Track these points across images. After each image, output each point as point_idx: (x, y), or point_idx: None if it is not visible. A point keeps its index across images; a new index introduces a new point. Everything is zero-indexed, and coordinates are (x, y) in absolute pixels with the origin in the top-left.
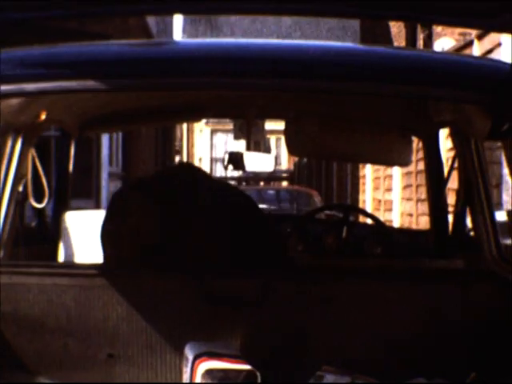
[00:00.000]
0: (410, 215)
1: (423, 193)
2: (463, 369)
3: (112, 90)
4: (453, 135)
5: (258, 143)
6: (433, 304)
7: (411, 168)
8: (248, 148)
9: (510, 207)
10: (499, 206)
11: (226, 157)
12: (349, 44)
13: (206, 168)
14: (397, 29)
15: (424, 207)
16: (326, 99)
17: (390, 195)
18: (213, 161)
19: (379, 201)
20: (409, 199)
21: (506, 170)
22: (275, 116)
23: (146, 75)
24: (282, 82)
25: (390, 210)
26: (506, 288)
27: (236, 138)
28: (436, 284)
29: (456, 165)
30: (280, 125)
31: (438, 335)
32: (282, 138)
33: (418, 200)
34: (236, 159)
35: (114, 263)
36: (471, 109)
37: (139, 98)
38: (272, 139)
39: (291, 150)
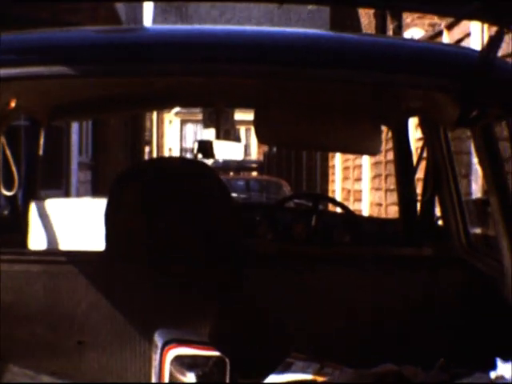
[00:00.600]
0: (380, 205)
1: (392, 183)
2: (432, 355)
3: (81, 76)
4: (422, 124)
5: (228, 132)
6: (401, 291)
7: (380, 158)
8: (218, 137)
9: (479, 196)
10: (469, 195)
11: (196, 145)
12: (318, 31)
13: None
14: (367, 19)
15: (393, 197)
16: (295, 88)
17: (359, 185)
18: (183, 151)
19: (348, 191)
20: (378, 189)
21: (475, 160)
22: (245, 105)
23: (115, 61)
24: (249, 67)
25: (360, 199)
26: (474, 275)
27: (205, 126)
28: (404, 271)
29: (425, 154)
30: (249, 115)
31: (407, 322)
32: (252, 128)
33: (387, 190)
34: (206, 147)
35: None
36: (440, 96)
37: (108, 87)
38: (242, 130)
39: (260, 139)
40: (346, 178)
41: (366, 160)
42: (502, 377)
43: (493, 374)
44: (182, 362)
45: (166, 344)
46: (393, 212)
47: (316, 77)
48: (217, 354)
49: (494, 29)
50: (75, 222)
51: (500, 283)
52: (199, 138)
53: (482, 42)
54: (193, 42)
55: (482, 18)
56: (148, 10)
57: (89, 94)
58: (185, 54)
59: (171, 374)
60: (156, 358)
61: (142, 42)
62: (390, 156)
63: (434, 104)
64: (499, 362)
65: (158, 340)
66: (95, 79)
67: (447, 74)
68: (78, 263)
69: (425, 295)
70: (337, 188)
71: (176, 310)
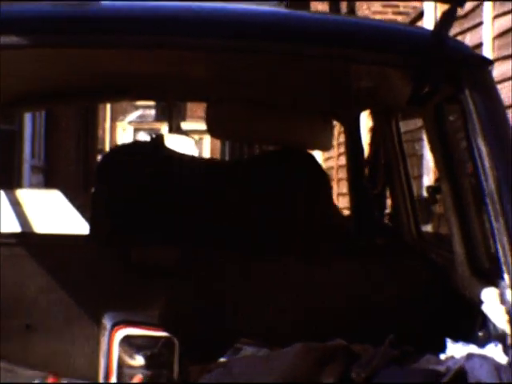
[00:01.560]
0: None
1: (344, 187)
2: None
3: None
4: (373, 117)
5: (180, 126)
6: (353, 279)
7: (332, 163)
8: (170, 130)
9: (429, 183)
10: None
11: (149, 139)
12: (272, 8)
13: None
14: (320, 7)
15: (345, 201)
16: (248, 82)
17: None
18: None
19: None
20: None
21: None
22: (197, 98)
23: (60, 31)
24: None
25: None
26: (425, 263)
27: (158, 120)
28: (356, 260)
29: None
30: (201, 124)
31: (358, 309)
32: (204, 138)
33: (339, 194)
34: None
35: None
36: (392, 75)
37: (59, 77)
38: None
39: (212, 132)
40: None
41: (318, 155)
42: (452, 357)
43: (442, 356)
44: (131, 343)
45: (114, 325)
46: (344, 203)
47: (268, 50)
48: (165, 334)
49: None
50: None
51: (450, 271)
52: None
53: (435, 19)
54: (140, 15)
55: None
56: None
57: (37, 84)
58: (130, 27)
59: (120, 356)
60: (104, 339)
61: (92, 15)
62: (342, 161)
63: (387, 86)
64: (449, 343)
65: (107, 322)
66: (44, 66)
67: (400, 50)
68: (25, 246)
69: (376, 284)
70: None
71: (126, 293)
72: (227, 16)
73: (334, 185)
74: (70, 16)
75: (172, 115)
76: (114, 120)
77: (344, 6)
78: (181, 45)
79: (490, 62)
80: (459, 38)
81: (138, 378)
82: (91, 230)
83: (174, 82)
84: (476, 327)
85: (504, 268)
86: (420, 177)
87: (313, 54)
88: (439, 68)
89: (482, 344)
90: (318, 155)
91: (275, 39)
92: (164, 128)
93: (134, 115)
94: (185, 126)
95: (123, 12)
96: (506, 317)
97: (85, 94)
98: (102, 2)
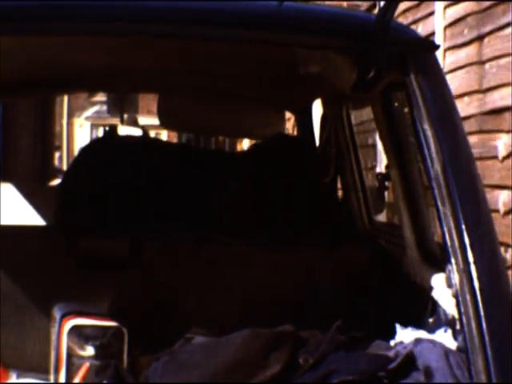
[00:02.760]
0: None
1: None
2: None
3: None
4: (324, 105)
5: (133, 118)
6: (305, 267)
7: None
8: (122, 122)
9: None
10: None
11: (102, 131)
12: None
13: None
14: None
15: None
16: (198, 72)
17: None
18: None
19: None
20: None
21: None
22: (148, 89)
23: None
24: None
25: None
26: (377, 250)
27: (109, 112)
28: (307, 248)
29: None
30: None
31: (308, 297)
32: (161, 133)
33: None
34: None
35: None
36: (339, 61)
37: (8, 68)
38: (151, 134)
39: (163, 123)
40: None
41: None
42: (401, 342)
43: (392, 342)
44: (80, 333)
45: (63, 316)
46: None
47: (212, 36)
48: (114, 324)
49: None
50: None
51: (401, 257)
52: None
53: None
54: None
55: None
56: None
57: None
58: (74, 13)
59: (69, 347)
60: (54, 331)
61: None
62: None
63: (334, 73)
64: (398, 329)
65: (57, 312)
66: None
67: (344, 33)
68: None
69: (325, 271)
70: None
71: (77, 285)
72: (170, 2)
73: None
74: (14, 3)
75: (123, 108)
76: (70, 116)
77: None
78: (125, 31)
79: (436, 46)
80: (412, 27)
81: (85, 366)
82: (54, 220)
83: (125, 73)
84: (427, 313)
85: (450, 251)
86: (374, 167)
87: (256, 39)
88: (383, 52)
89: (432, 329)
90: None
91: (215, 24)
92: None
93: (90, 111)
94: (141, 121)
95: None
96: (453, 300)
97: (35, 86)
98: None
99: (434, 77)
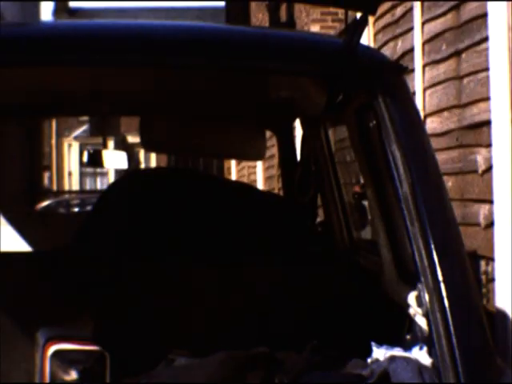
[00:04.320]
0: None
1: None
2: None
3: None
4: (302, 125)
5: (117, 141)
6: (285, 285)
7: (273, 172)
8: (105, 145)
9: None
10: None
11: (86, 154)
12: (194, 23)
13: (75, 182)
14: (260, 15)
15: None
16: (179, 94)
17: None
18: (82, 175)
19: None
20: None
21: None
22: (130, 112)
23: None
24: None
25: None
26: (355, 269)
27: (92, 134)
28: (287, 266)
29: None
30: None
31: (284, 316)
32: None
33: (280, 189)
34: (95, 157)
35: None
36: (309, 84)
37: None
38: (141, 153)
39: (146, 146)
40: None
41: (259, 165)
42: (376, 360)
43: (369, 360)
44: (63, 357)
45: (47, 341)
46: None
47: (189, 65)
48: (97, 348)
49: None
50: None
51: (379, 276)
52: None
53: (346, 27)
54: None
55: (347, 5)
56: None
57: None
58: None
59: (53, 372)
60: (38, 356)
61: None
62: None
63: (306, 95)
64: (374, 348)
65: (41, 337)
66: None
67: (311, 59)
68: None
69: (301, 289)
70: None
71: (58, 308)
72: (147, 32)
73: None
74: (10, 36)
75: (106, 130)
76: (59, 136)
77: (284, 15)
78: (107, 62)
79: (404, 69)
80: (391, 43)
81: None
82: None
83: (106, 96)
84: (404, 330)
85: (420, 271)
86: (358, 183)
87: (227, 67)
88: (350, 76)
89: (409, 347)
90: (260, 165)
91: (189, 54)
92: (110, 143)
93: (79, 131)
94: (131, 139)
95: (58, 31)
96: (425, 319)
97: (17, 111)
98: (39, 22)
99: (402, 99)
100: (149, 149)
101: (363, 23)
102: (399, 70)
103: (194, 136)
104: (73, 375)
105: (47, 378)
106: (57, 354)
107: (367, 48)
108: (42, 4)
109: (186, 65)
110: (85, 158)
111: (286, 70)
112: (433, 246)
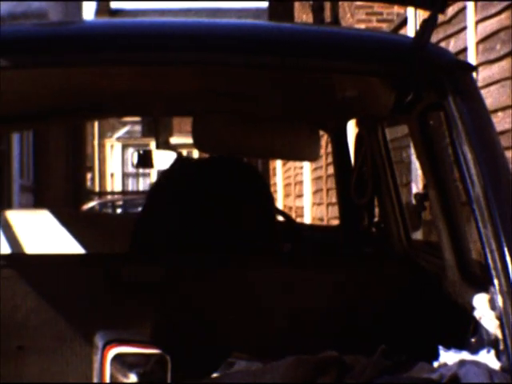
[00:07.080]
0: (321, 219)
1: (333, 197)
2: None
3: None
4: (359, 125)
5: (166, 141)
6: (343, 289)
7: (321, 173)
8: (157, 146)
9: (418, 190)
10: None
11: (136, 155)
12: (255, 21)
13: (117, 183)
14: (305, 16)
15: (335, 211)
16: (233, 94)
17: (300, 201)
18: (125, 176)
19: (290, 207)
20: (319, 204)
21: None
22: (183, 112)
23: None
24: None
25: (302, 215)
26: (416, 271)
27: (144, 135)
28: (345, 269)
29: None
30: (189, 139)
31: (350, 319)
32: (193, 151)
33: (329, 204)
34: (145, 158)
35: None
36: (376, 85)
37: (43, 97)
38: (184, 153)
39: (199, 147)
40: (287, 195)
41: (306, 175)
42: (445, 364)
43: (436, 364)
44: (123, 362)
45: (106, 344)
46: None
47: (251, 64)
48: (158, 351)
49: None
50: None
51: (441, 278)
52: None
53: (416, 27)
54: (123, 32)
55: (415, 4)
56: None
57: (21, 105)
58: (113, 44)
59: (112, 375)
60: (97, 358)
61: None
62: (331, 170)
63: (371, 95)
64: (441, 351)
65: (99, 341)
66: (29, 87)
67: (381, 58)
68: (16, 267)
69: (367, 292)
70: (279, 205)
71: (117, 311)
72: (209, 30)
73: (323, 195)
74: (52, 35)
75: (159, 130)
76: (102, 137)
77: (328, 16)
78: (164, 60)
79: (473, 68)
80: (443, 43)
81: None
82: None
83: (159, 96)
84: (468, 333)
85: (493, 273)
86: (409, 184)
87: (296, 67)
88: (421, 75)
89: (474, 350)
90: (307, 165)
91: (259, 52)
92: (152, 143)
93: (121, 131)
94: (173, 140)
95: (105, 29)
96: (497, 322)
97: (70, 113)
98: (84, 20)
99: (472, 98)
100: (202, 149)
101: (433, 22)
102: (469, 68)
103: (249, 136)
104: (133, 379)
105: (107, 381)
106: (117, 357)
107: (436, 47)
108: (84, 4)
109: (251, 64)
110: (134, 160)
111: (355, 70)
112: (506, 249)
